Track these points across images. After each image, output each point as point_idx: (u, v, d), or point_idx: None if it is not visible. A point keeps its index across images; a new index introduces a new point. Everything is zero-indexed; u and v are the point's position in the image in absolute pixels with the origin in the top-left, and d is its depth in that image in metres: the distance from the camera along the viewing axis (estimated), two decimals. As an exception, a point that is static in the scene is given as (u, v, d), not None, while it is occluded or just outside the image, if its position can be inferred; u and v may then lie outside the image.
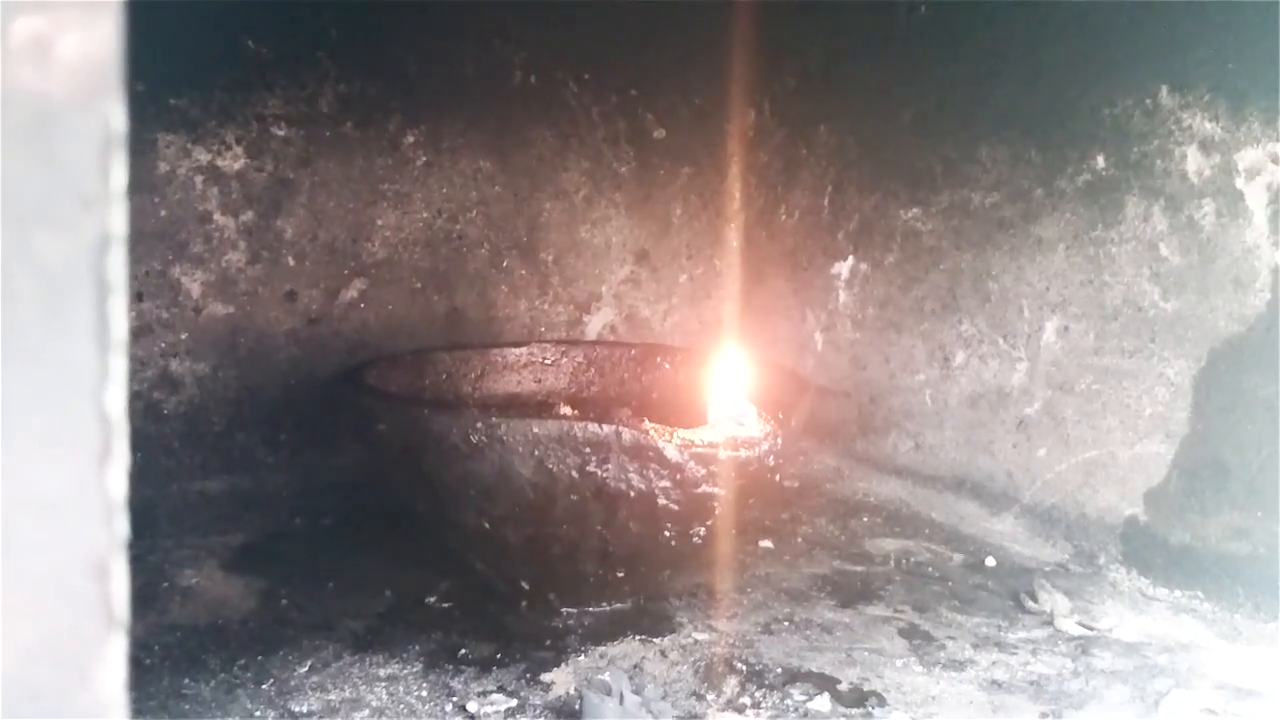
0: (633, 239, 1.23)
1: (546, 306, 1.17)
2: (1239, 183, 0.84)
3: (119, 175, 0.20)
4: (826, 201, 1.18)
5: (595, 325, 1.21)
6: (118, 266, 0.20)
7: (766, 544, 0.97)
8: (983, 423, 1.04)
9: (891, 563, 0.94)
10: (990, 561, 0.95)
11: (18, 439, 0.20)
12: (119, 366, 0.20)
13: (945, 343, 1.07)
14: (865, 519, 1.05)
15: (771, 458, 0.74)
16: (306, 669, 0.71)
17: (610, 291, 1.21)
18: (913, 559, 0.95)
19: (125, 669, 0.21)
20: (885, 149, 1.12)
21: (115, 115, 0.20)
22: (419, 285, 1.09)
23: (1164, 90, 0.89)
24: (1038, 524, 1.00)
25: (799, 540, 0.99)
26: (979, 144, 1.03)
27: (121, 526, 0.21)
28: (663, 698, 0.69)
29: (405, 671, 0.72)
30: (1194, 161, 0.87)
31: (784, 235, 1.24)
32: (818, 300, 1.20)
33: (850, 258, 1.16)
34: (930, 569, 0.93)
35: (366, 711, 0.66)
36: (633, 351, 0.97)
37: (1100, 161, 0.93)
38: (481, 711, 0.66)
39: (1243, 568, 0.85)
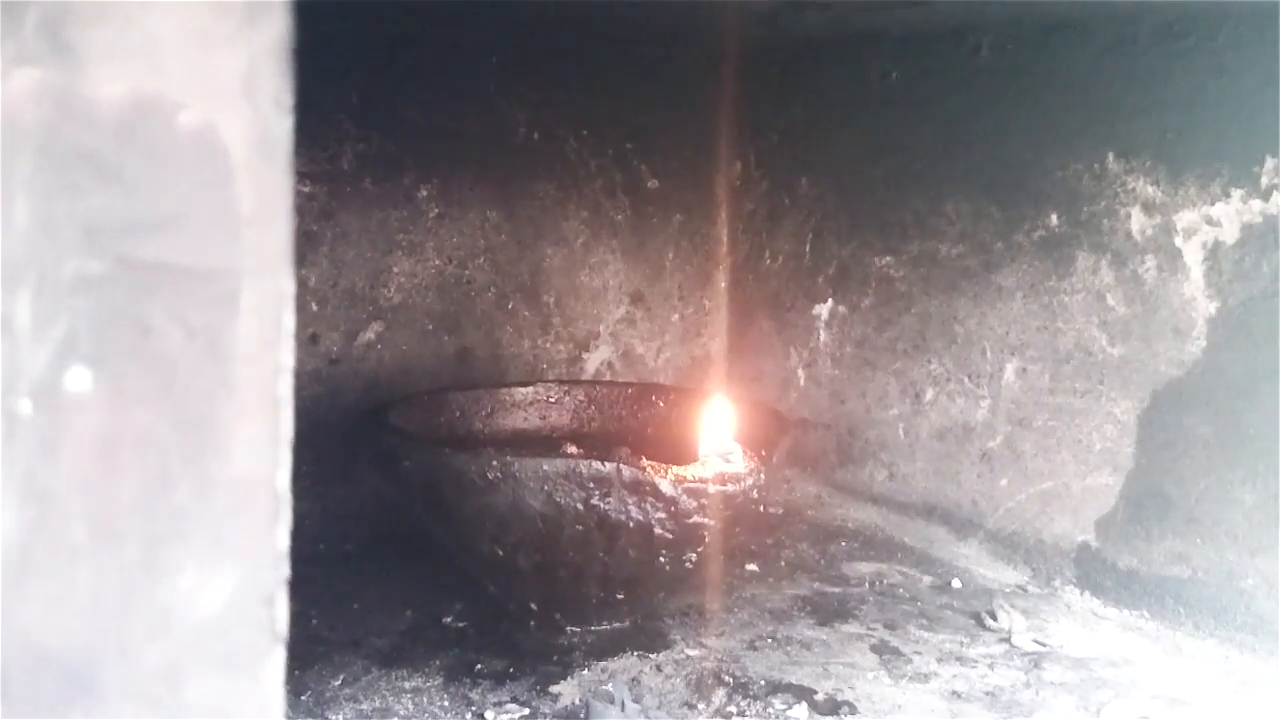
0: (628, 281, 1.31)
1: (548, 345, 1.26)
2: (1178, 241, 0.94)
3: (289, 323, 0.29)
4: (808, 248, 1.27)
5: (594, 362, 1.30)
6: (286, 387, 0.29)
7: (752, 567, 1.06)
8: (950, 454, 1.13)
9: (866, 584, 1.03)
10: (956, 583, 1.03)
11: (217, 507, 0.28)
12: (286, 457, 0.29)
13: (916, 380, 1.16)
14: (843, 543, 1.14)
15: (755, 491, 0.83)
16: (339, 682, 0.80)
17: (607, 330, 1.30)
18: (885, 581, 1.04)
19: (283, 672, 0.30)
20: (861, 201, 1.21)
21: (286, 281, 0.29)
22: (431, 327, 1.17)
23: (1110, 156, 0.98)
24: (1000, 548, 1.08)
25: (782, 564, 1.08)
26: (945, 199, 1.12)
27: (284, 569, 0.29)
28: (658, 707, 0.77)
29: (428, 684, 0.80)
30: (1137, 221, 0.96)
31: (769, 278, 1.33)
32: (800, 339, 1.29)
33: (829, 300, 1.25)
34: (901, 590, 1.02)
35: None
36: (629, 390, 1.06)
37: (1054, 219, 1.02)
38: (498, 719, 0.75)
39: (1183, 590, 0.94)
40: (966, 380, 1.11)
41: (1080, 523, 1.02)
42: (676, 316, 1.35)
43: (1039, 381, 1.05)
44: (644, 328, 1.33)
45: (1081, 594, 1.01)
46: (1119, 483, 0.99)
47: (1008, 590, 1.02)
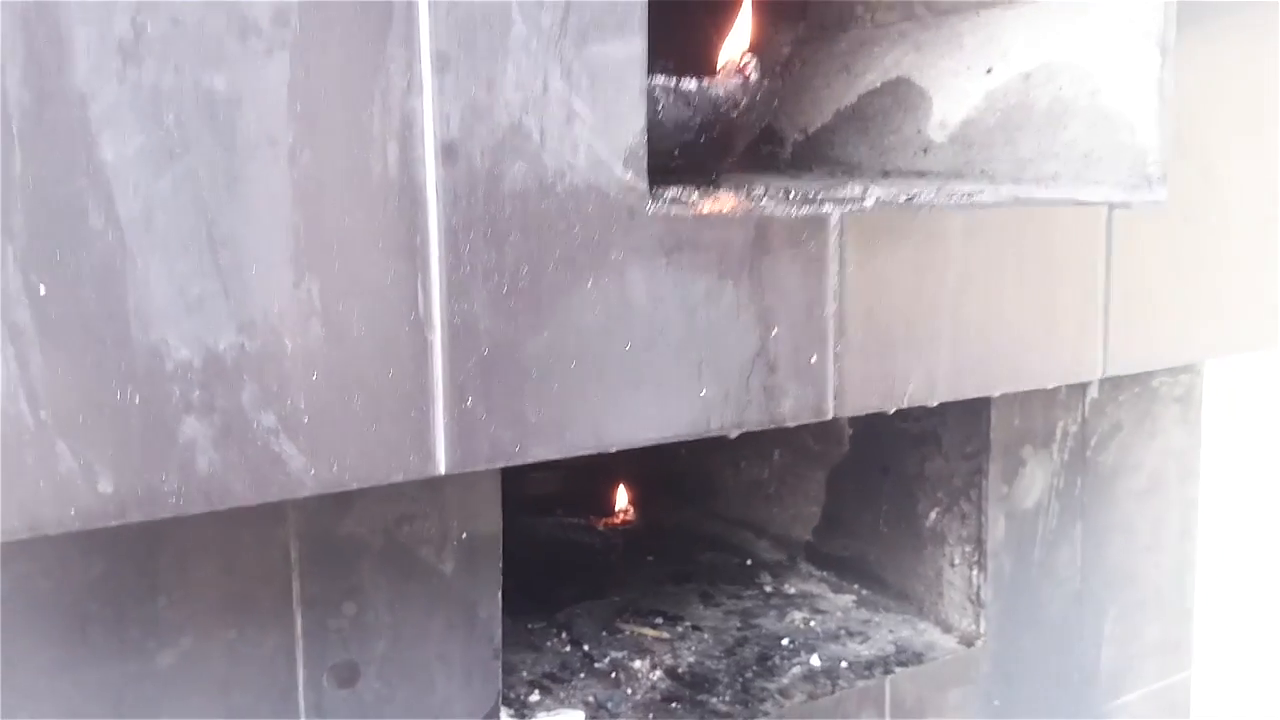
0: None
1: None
2: (838, 400, 2.01)
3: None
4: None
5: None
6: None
7: (650, 558, 2.13)
8: (753, 495, 2.21)
9: (705, 564, 2.11)
10: (749, 561, 2.11)
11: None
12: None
13: (735, 458, 2.24)
14: (701, 543, 2.21)
15: (634, 526, 1.91)
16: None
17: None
18: (715, 562, 2.12)
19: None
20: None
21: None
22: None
23: (811, 357, 2.06)
24: (775, 543, 2.16)
25: (667, 555, 2.15)
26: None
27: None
28: (599, 621, 1.85)
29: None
30: (822, 389, 2.04)
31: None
32: (682, 430, 2.37)
33: (696, 411, 2.33)
34: (721, 566, 2.10)
35: (491, 629, 1.82)
36: (593, 474, 2.14)
37: (790, 384, 2.10)
38: (532, 627, 1.82)
39: (848, 563, 2.02)
40: (758, 458, 2.19)
41: (807, 530, 2.09)
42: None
43: (788, 460, 2.12)
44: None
45: (809, 566, 2.09)
46: (820, 511, 2.06)
47: (774, 563, 2.10)
